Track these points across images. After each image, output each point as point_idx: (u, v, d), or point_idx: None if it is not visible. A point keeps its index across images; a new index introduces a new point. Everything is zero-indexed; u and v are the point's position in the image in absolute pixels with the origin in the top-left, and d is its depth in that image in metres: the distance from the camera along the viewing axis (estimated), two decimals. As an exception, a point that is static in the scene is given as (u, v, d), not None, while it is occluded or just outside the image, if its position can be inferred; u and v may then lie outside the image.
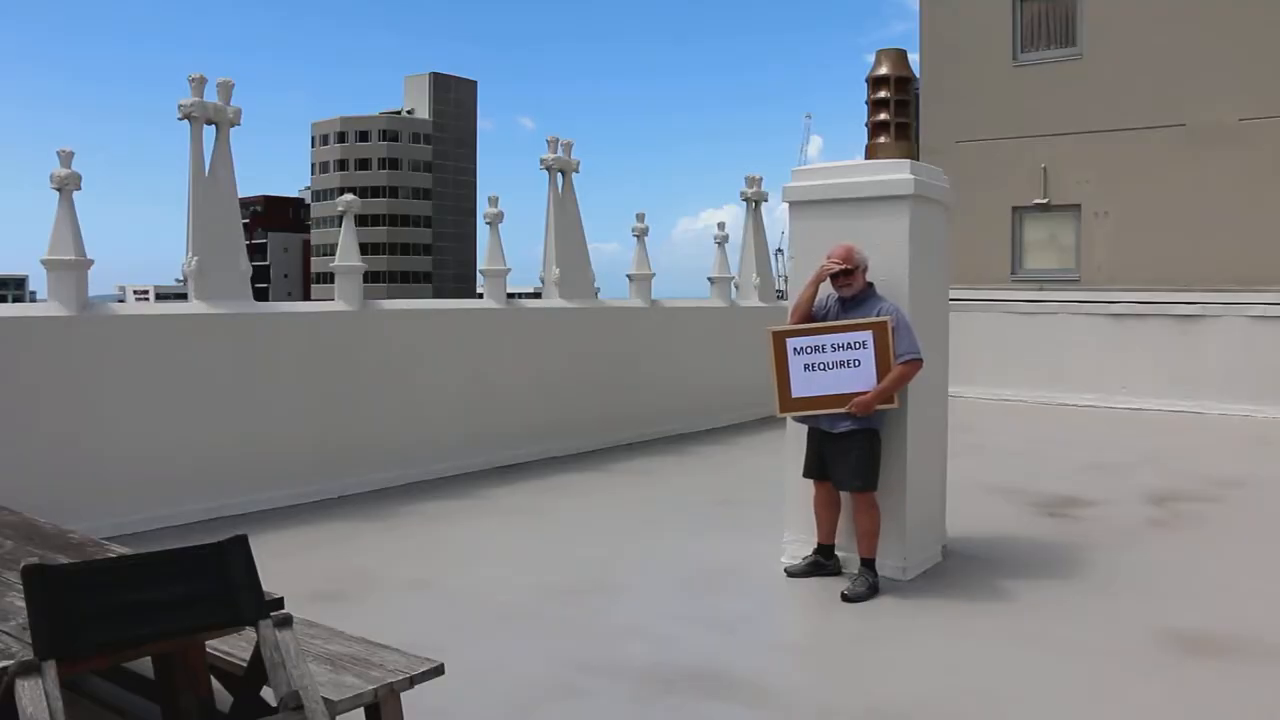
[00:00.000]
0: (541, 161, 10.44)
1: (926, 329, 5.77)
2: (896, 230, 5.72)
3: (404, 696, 3.17)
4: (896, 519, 5.70)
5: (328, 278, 10.21)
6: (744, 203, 13.33)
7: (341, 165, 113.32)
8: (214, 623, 2.83)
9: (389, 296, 13.26)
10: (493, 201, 9.79)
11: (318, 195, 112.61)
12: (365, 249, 11.03)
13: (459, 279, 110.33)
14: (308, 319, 8.29)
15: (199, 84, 7.55)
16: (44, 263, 6.84)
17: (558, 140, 10.50)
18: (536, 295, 11.26)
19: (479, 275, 10.36)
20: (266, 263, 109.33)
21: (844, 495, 5.70)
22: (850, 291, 5.57)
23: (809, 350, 5.53)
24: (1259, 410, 12.71)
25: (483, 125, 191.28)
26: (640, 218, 11.39)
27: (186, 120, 7.54)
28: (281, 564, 5.25)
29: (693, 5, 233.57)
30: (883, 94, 6.09)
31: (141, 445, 6.91)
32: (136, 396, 6.92)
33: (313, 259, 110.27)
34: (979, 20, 15.87)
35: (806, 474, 5.75)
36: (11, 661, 2.49)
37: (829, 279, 5.58)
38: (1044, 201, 15.35)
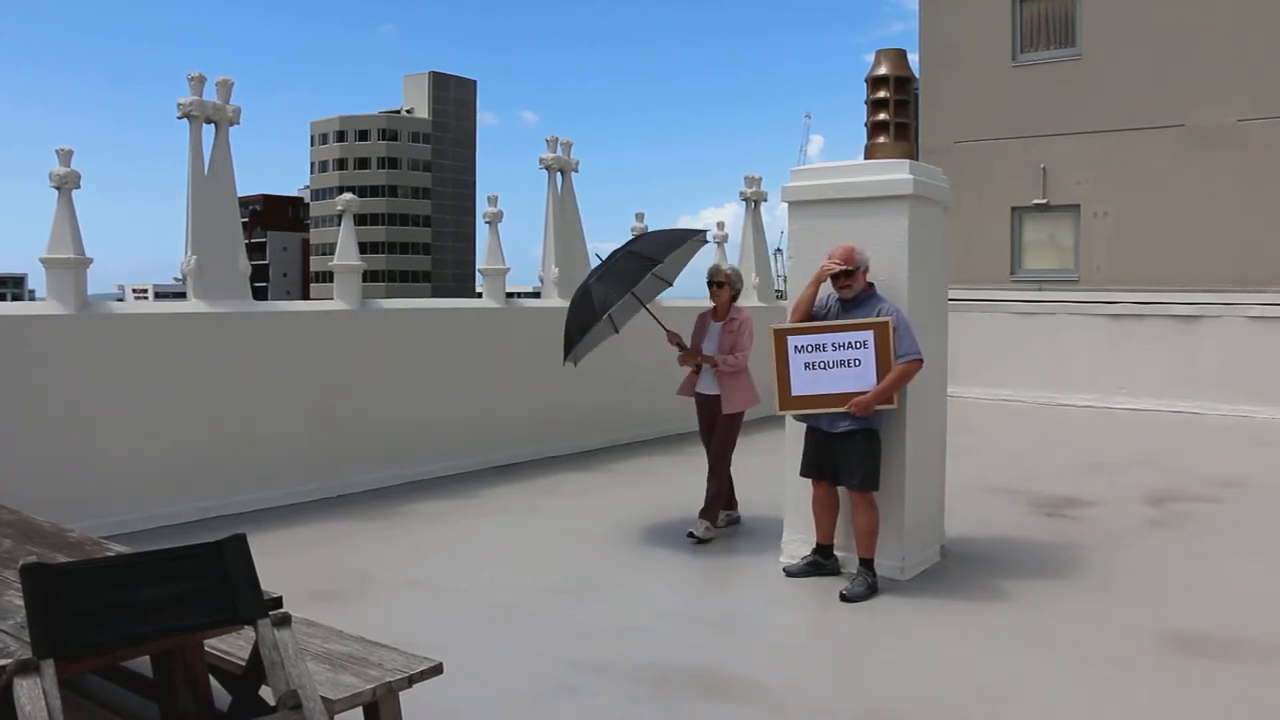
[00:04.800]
0: (541, 161, 10.44)
1: (925, 329, 5.77)
2: (896, 230, 5.72)
3: (402, 696, 3.17)
4: (895, 519, 5.70)
5: (327, 277, 10.21)
6: (743, 202, 13.34)
7: (341, 164, 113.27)
8: (212, 621, 2.83)
9: (388, 296, 13.26)
10: (492, 201, 9.80)
11: (317, 194, 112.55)
12: (364, 248, 11.05)
13: (458, 278, 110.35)
14: (306, 318, 8.29)
15: (198, 83, 7.55)
16: (43, 261, 6.83)
17: (557, 140, 10.50)
18: (536, 295, 11.25)
19: (478, 274, 10.36)
20: (265, 261, 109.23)
21: (843, 495, 5.70)
22: (851, 293, 5.56)
23: (810, 349, 5.53)
24: (1257, 410, 12.71)
25: (486, 119, 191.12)
26: (640, 217, 11.38)
27: (186, 119, 7.54)
28: (280, 563, 5.25)
29: (693, 5, 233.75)
30: (882, 94, 6.09)
31: (140, 444, 6.90)
32: (135, 395, 6.91)
33: (312, 258, 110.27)
34: (978, 20, 15.87)
35: (805, 473, 5.75)
36: (10, 660, 2.48)
37: (830, 279, 5.58)
38: (1043, 202, 15.36)
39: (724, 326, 6.74)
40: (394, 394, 8.52)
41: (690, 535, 6.56)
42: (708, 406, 6.79)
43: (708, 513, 6.69)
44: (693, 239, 7.01)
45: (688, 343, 6.84)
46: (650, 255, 6.60)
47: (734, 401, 6.63)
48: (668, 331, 6.79)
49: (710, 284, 6.87)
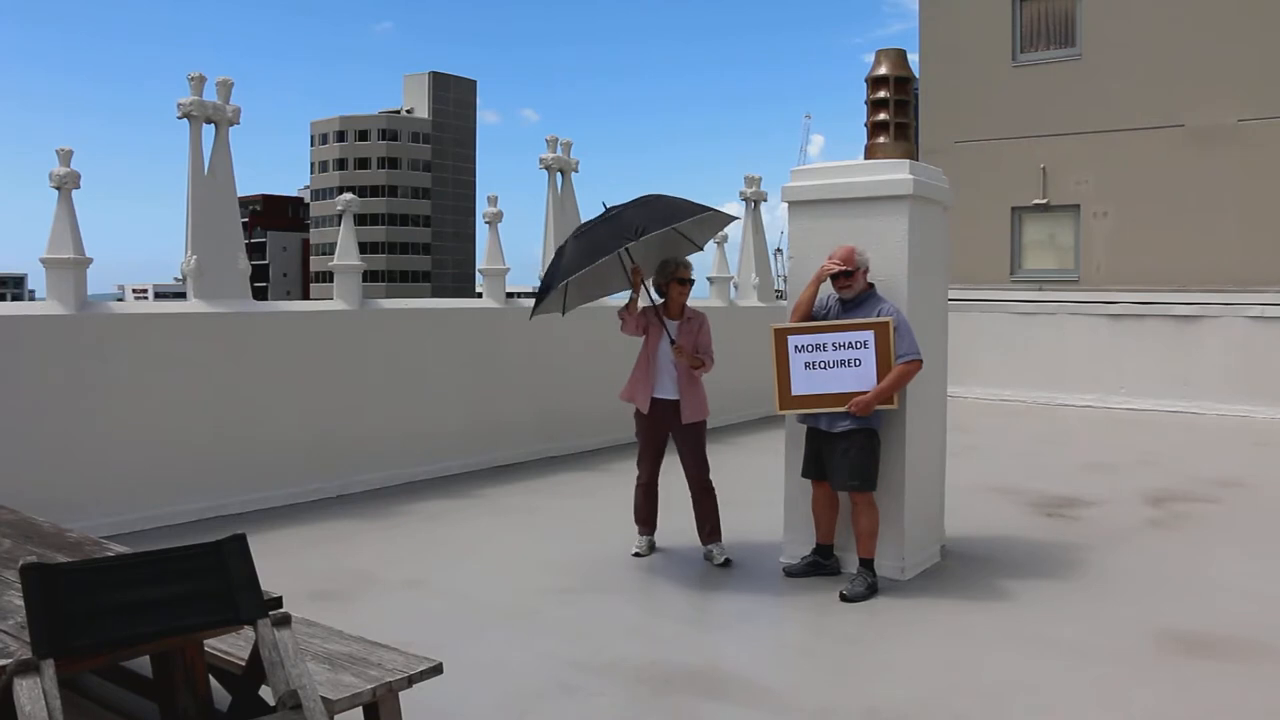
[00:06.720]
0: (541, 161, 10.44)
1: (925, 329, 5.77)
2: (895, 230, 5.72)
3: (402, 696, 3.17)
4: (895, 519, 5.70)
5: (327, 277, 10.21)
6: (743, 202, 13.33)
7: (340, 164, 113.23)
8: (212, 621, 2.83)
9: (388, 295, 13.25)
10: (492, 201, 9.80)
11: (317, 194, 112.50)
12: (364, 248, 11.06)
13: (458, 278, 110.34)
14: (306, 318, 8.29)
15: (198, 83, 7.55)
16: (43, 261, 6.83)
17: (557, 140, 10.50)
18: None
19: (478, 274, 10.36)
20: (265, 261, 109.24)
21: (842, 495, 5.71)
22: (851, 293, 5.57)
23: (810, 349, 5.53)
24: (1257, 410, 12.71)
25: (488, 118, 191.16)
26: (639, 217, 11.37)
27: (186, 119, 7.55)
28: (279, 563, 5.25)
29: (693, 5, 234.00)
30: (882, 94, 6.09)
31: (140, 444, 6.90)
32: (135, 395, 6.91)
33: (312, 258, 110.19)
34: (978, 20, 15.87)
35: (805, 474, 5.75)
36: (10, 660, 2.48)
37: (830, 280, 5.58)
38: (1043, 202, 15.36)
39: (681, 326, 6.07)
40: (394, 394, 8.51)
41: (726, 562, 6.11)
42: (665, 414, 6.08)
43: (717, 533, 6.22)
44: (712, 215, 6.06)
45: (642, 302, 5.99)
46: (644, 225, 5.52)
47: (697, 409, 6.07)
48: (634, 268, 5.95)
49: (675, 280, 6.08)
